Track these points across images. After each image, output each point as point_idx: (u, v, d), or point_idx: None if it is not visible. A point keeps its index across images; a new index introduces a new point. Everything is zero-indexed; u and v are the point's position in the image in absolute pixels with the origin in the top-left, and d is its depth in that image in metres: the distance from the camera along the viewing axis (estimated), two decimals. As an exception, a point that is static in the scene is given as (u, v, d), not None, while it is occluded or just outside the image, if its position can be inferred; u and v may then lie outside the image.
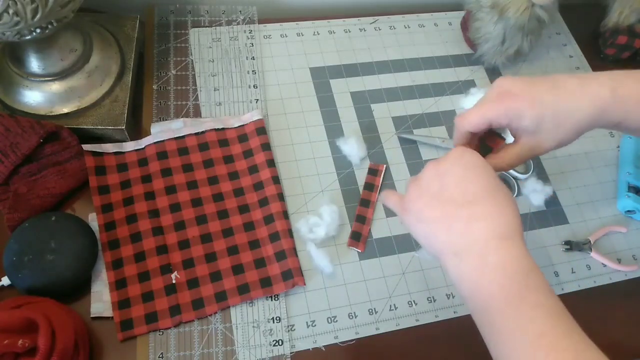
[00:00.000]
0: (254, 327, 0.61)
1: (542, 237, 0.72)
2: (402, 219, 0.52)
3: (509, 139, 0.54)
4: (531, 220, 0.73)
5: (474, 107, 0.51)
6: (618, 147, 0.81)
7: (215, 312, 0.61)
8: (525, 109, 0.49)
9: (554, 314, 0.42)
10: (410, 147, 0.76)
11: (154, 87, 0.74)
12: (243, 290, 0.63)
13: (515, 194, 0.74)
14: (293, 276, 0.63)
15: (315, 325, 0.63)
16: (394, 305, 0.65)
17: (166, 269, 0.62)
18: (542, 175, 0.77)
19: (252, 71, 0.78)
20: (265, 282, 0.63)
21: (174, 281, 0.62)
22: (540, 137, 0.51)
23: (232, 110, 0.74)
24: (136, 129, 0.71)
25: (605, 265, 0.72)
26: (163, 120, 0.72)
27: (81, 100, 0.68)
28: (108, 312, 0.60)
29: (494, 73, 0.85)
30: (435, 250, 0.47)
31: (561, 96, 0.50)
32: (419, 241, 0.50)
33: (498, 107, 0.50)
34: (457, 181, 0.47)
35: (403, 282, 0.67)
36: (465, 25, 0.86)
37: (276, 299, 0.63)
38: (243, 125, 0.72)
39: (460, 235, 0.45)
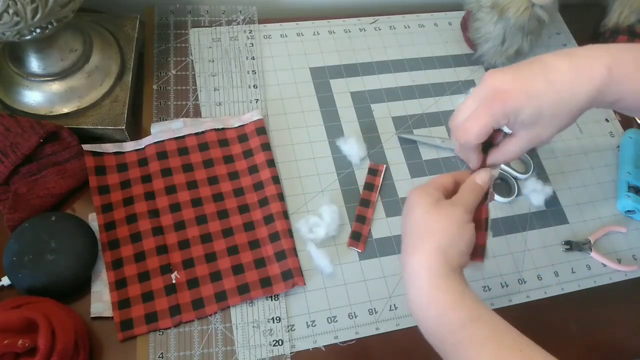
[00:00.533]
0: (254, 327, 0.62)
1: (542, 237, 0.72)
2: None
3: (506, 129, 0.53)
4: (531, 220, 0.73)
5: (472, 117, 0.49)
6: (618, 147, 0.81)
7: (215, 312, 0.61)
8: (523, 105, 0.48)
9: (476, 346, 0.44)
10: (410, 147, 0.76)
11: (154, 87, 0.74)
12: (243, 290, 0.63)
13: (515, 194, 0.74)
14: (293, 276, 0.63)
15: (315, 325, 0.63)
16: (394, 305, 0.65)
17: (166, 269, 0.62)
18: (542, 175, 0.77)
19: (252, 71, 0.78)
20: (265, 282, 0.63)
21: (174, 281, 0.62)
22: (538, 128, 0.50)
23: (232, 110, 0.74)
24: (136, 129, 0.71)
25: (605, 265, 0.72)
26: (163, 120, 0.72)
27: (81, 100, 0.68)
28: (108, 312, 0.60)
29: (494, 73, 0.85)
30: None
31: (556, 85, 0.48)
32: None
33: (496, 110, 0.48)
34: (404, 225, 0.52)
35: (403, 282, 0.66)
36: (465, 25, 0.86)
37: (276, 299, 0.63)
38: (243, 125, 0.72)
39: (405, 276, 0.50)
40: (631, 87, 0.49)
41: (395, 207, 0.71)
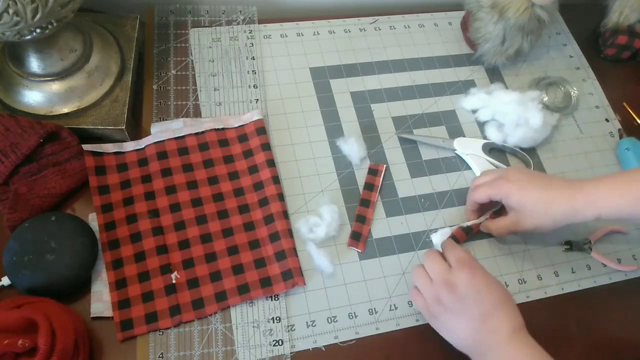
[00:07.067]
0: (254, 327, 0.62)
1: (542, 237, 0.72)
2: (430, 322, 0.62)
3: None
4: (531, 220, 0.73)
5: (484, 186, 0.67)
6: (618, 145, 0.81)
7: (215, 312, 0.61)
8: (512, 193, 0.64)
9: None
10: (410, 147, 0.76)
11: (154, 87, 0.74)
12: (243, 290, 0.63)
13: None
14: (293, 276, 0.63)
15: (315, 325, 0.63)
16: (394, 305, 0.65)
17: (166, 269, 0.62)
18: (542, 175, 0.77)
19: (252, 71, 0.78)
20: (265, 282, 0.63)
21: (174, 281, 0.62)
22: (521, 216, 0.64)
23: (232, 110, 0.74)
24: (136, 129, 0.71)
25: (605, 265, 0.72)
26: (163, 120, 0.72)
27: (81, 100, 0.68)
28: (108, 312, 0.60)
29: (494, 73, 0.85)
30: (464, 349, 0.59)
31: (543, 193, 0.63)
32: (448, 339, 0.60)
33: (494, 189, 0.66)
34: (476, 301, 0.57)
35: (403, 282, 0.67)
36: (465, 25, 0.86)
37: (276, 299, 0.63)
38: (243, 125, 0.72)
39: (485, 341, 0.57)
40: (608, 218, 0.62)
41: (395, 207, 0.71)
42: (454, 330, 0.59)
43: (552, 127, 0.79)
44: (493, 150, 0.77)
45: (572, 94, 0.85)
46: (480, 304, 0.57)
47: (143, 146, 0.69)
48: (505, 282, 0.69)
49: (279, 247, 0.65)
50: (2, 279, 0.59)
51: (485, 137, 0.78)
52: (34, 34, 0.58)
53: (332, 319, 0.63)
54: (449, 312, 0.58)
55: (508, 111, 0.76)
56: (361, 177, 0.73)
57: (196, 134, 0.70)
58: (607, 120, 0.84)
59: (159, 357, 0.59)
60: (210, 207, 0.67)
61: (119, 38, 0.74)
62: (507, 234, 0.68)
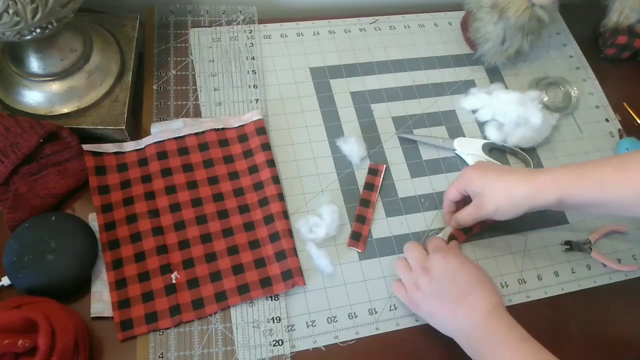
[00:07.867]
0: (254, 327, 0.62)
1: (542, 237, 0.72)
2: (413, 310, 0.63)
3: None
4: (531, 221, 0.73)
5: (453, 182, 0.68)
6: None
7: (215, 312, 0.61)
8: (474, 176, 0.65)
9: (525, 339, 0.56)
10: (410, 147, 0.76)
11: (154, 87, 0.74)
12: (243, 290, 0.63)
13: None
14: (293, 276, 0.63)
15: (315, 325, 0.63)
16: (394, 305, 0.65)
17: (166, 269, 0.62)
18: (542, 175, 0.77)
19: (252, 71, 0.78)
20: (265, 282, 0.63)
21: (174, 281, 0.62)
22: (483, 198, 0.63)
23: (232, 110, 0.74)
24: (136, 129, 0.71)
25: (605, 265, 0.72)
26: (163, 120, 0.72)
27: (81, 100, 0.68)
28: (108, 312, 0.60)
29: (494, 73, 0.85)
30: (448, 333, 0.60)
31: (505, 176, 0.63)
32: (433, 325, 0.62)
33: (459, 179, 0.67)
34: (451, 283, 0.59)
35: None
36: (465, 25, 0.86)
37: (276, 299, 0.63)
38: (243, 125, 0.72)
39: (464, 321, 0.58)
40: (572, 202, 0.61)
41: (395, 207, 0.71)
42: (435, 314, 0.60)
43: (552, 127, 0.79)
44: (493, 150, 0.77)
45: (572, 94, 0.85)
46: (456, 286, 0.59)
47: (143, 146, 0.69)
48: (505, 282, 0.69)
49: (279, 247, 0.65)
50: (2, 279, 0.59)
51: (485, 137, 0.78)
52: (34, 34, 0.58)
53: (332, 319, 0.63)
54: (428, 297, 0.60)
55: (508, 111, 0.76)
56: (361, 177, 0.73)
57: (196, 134, 0.70)
58: (607, 120, 0.84)
59: (159, 357, 0.59)
60: (210, 207, 0.67)
61: (119, 38, 0.74)
62: (473, 221, 0.66)
